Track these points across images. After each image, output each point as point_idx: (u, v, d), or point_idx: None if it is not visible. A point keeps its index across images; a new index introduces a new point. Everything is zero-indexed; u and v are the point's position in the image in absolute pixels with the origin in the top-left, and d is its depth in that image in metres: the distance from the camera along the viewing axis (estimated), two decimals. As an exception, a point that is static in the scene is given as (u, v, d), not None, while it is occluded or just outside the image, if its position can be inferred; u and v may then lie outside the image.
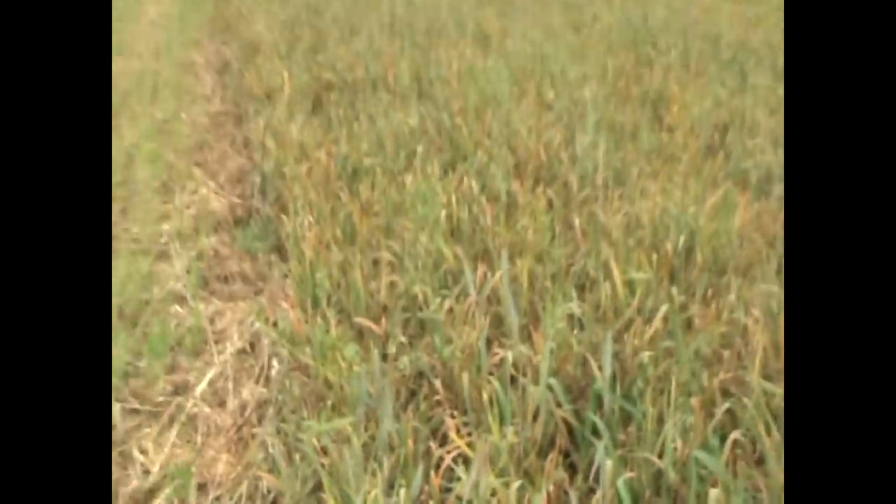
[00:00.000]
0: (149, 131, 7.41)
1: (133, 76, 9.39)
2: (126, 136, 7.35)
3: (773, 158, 5.28)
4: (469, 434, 3.28)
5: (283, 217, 5.09)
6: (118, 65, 9.89)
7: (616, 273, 3.91)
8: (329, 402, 3.57)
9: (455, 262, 4.21)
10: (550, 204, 4.77)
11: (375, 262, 4.37)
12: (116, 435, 3.73)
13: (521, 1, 10.18)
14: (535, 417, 3.23)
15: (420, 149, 5.54)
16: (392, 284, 4.19)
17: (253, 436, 3.65)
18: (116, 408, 3.85)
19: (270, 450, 3.49)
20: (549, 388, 3.26)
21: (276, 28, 9.38)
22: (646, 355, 3.41)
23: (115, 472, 3.51)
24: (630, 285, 3.90)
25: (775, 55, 7.58)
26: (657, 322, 3.59)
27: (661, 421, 3.11)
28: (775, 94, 6.48)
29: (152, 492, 3.41)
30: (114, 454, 3.63)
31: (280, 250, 5.03)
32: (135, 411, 3.90)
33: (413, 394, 3.57)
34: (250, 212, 5.68)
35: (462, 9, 9.69)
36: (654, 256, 4.11)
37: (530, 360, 3.42)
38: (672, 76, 6.97)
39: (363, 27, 8.94)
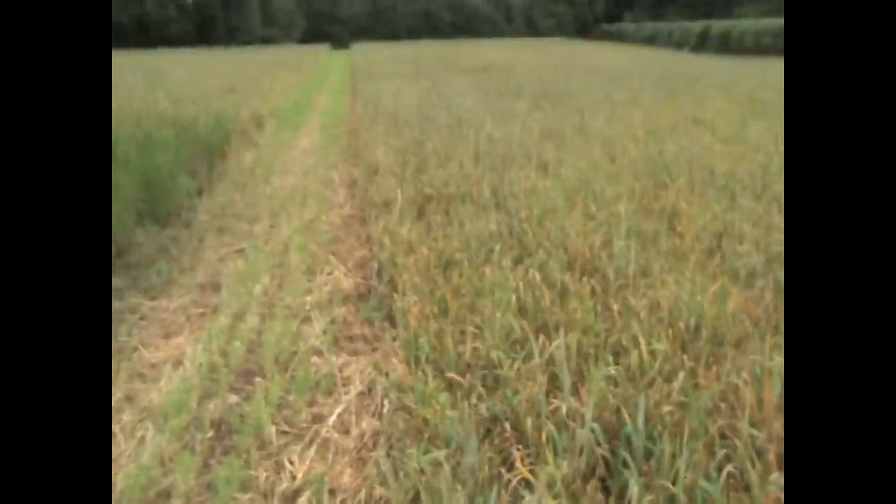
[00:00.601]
0: (299, 228, 7.51)
1: (289, 189, 9.55)
2: (283, 231, 7.46)
3: (757, 259, 5.23)
4: (531, 464, 3.25)
5: (394, 295, 5.10)
6: (279, 181, 10.10)
7: (642, 344, 3.88)
8: (426, 435, 3.55)
9: (522, 333, 4.18)
10: (593, 291, 4.73)
11: (462, 332, 4.34)
12: (272, 449, 3.75)
13: (572, 139, 10.23)
14: (580, 452, 3.18)
15: (497, 247, 5.55)
16: (475, 349, 4.16)
17: (370, 457, 3.62)
18: (272, 429, 3.86)
19: (382, 468, 3.46)
20: (592, 430, 3.23)
21: (391, 155, 9.49)
22: (665, 408, 3.35)
23: (270, 476, 3.51)
24: (653, 353, 3.85)
25: (755, 182, 7.51)
26: (674, 382, 3.54)
27: (674, 456, 3.06)
28: (756, 212, 6.41)
29: (297, 492, 3.42)
30: (269, 462, 3.64)
31: (391, 319, 5.01)
32: (285, 433, 3.90)
33: (489, 432, 3.52)
34: (370, 290, 5.70)
35: (528, 143, 9.78)
36: (671, 332, 4.07)
37: (578, 409, 3.38)
38: (681, 196, 6.92)
39: (455, 155, 9.03)
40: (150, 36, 72.66)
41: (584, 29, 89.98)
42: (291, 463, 3.63)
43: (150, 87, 20.24)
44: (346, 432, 3.88)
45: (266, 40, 77.68)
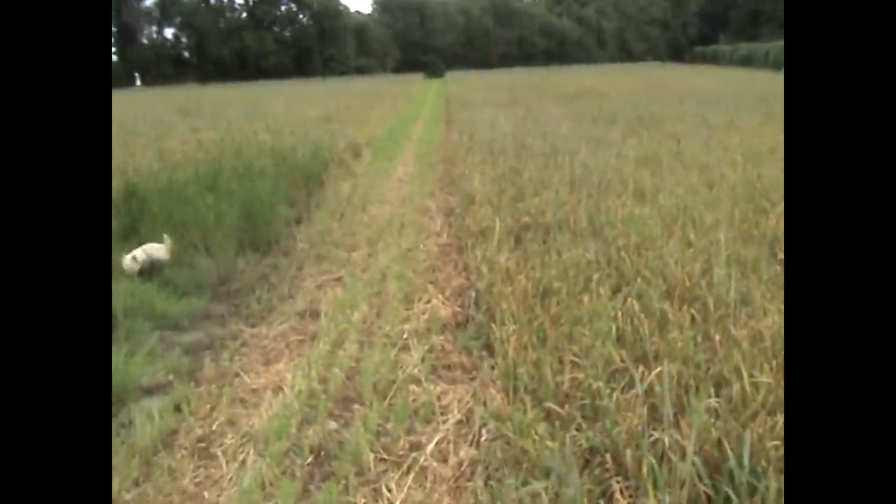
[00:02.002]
0: (397, 257, 7.62)
1: (386, 217, 9.69)
2: (381, 259, 7.58)
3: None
4: (631, 497, 3.21)
5: (492, 324, 5.11)
6: (376, 210, 10.27)
7: (745, 375, 3.78)
8: (524, 466, 3.54)
9: (621, 362, 4.14)
10: (693, 320, 4.65)
11: (561, 361, 4.32)
12: (370, 476, 3.80)
13: (668, 166, 10.09)
14: (681, 487, 3.12)
15: (595, 276, 5.51)
16: (573, 379, 4.13)
17: (467, 486, 3.64)
18: (371, 456, 3.91)
19: (480, 497, 3.47)
20: (693, 464, 3.16)
21: (488, 183, 9.53)
22: (770, 443, 3.26)
23: (368, 503, 3.55)
24: (756, 385, 3.75)
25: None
26: (778, 415, 3.44)
27: (780, 493, 2.96)
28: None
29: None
30: (367, 489, 3.70)
31: (489, 348, 5.03)
32: (383, 460, 3.95)
33: (587, 463, 3.49)
34: (467, 319, 5.72)
35: (624, 170, 9.69)
36: (774, 363, 3.96)
37: (679, 441, 3.32)
38: (783, 222, 6.75)
39: (551, 183, 9.01)
40: (249, 68, 74.75)
41: (677, 52, 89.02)
42: (389, 490, 3.67)
43: (250, 118, 20.84)
44: (444, 461, 3.90)
45: (361, 70, 79.04)
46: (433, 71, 76.37)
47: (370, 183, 12.51)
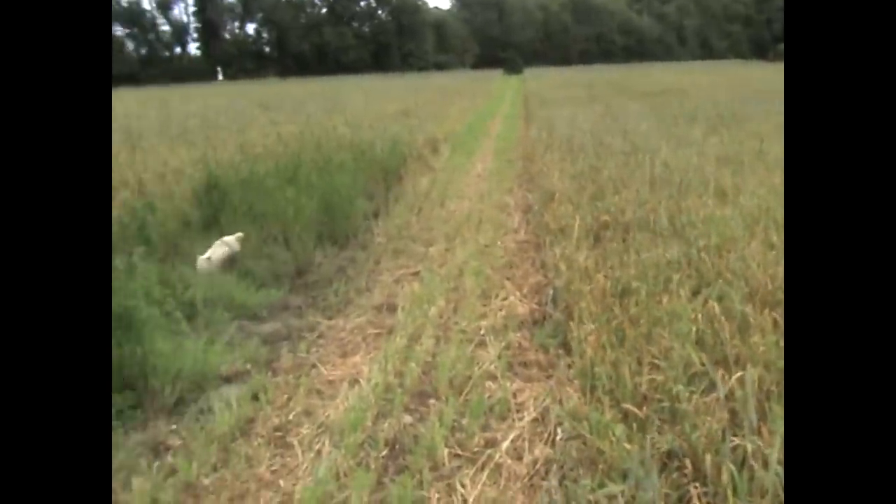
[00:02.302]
0: (474, 252, 7.61)
1: (464, 213, 9.69)
2: (458, 255, 7.59)
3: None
4: (708, 503, 3.14)
5: (570, 322, 5.07)
6: (454, 205, 10.31)
7: (830, 383, 3.67)
8: (600, 467, 3.51)
9: (701, 366, 4.06)
10: (776, 324, 4.54)
11: (639, 362, 4.27)
12: (444, 471, 3.81)
13: (750, 166, 9.87)
14: (763, 496, 3.05)
15: (675, 276, 5.43)
16: (652, 380, 4.08)
17: (542, 485, 3.62)
18: (445, 452, 3.91)
19: (554, 496, 3.45)
20: (777, 474, 3.08)
21: (567, 181, 9.47)
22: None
23: (442, 498, 3.56)
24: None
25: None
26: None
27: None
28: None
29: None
30: (441, 484, 3.70)
31: (566, 347, 4.99)
32: (458, 456, 3.94)
33: (665, 466, 3.44)
34: (544, 316, 5.69)
35: (705, 169, 9.51)
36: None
37: (760, 449, 3.25)
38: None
39: (631, 182, 8.91)
40: (328, 63, 75.59)
41: (760, 49, 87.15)
42: (463, 486, 3.66)
43: (329, 112, 21.06)
44: (519, 458, 3.88)
45: (440, 66, 79.31)
46: (512, 67, 76.15)
47: (448, 178, 12.54)
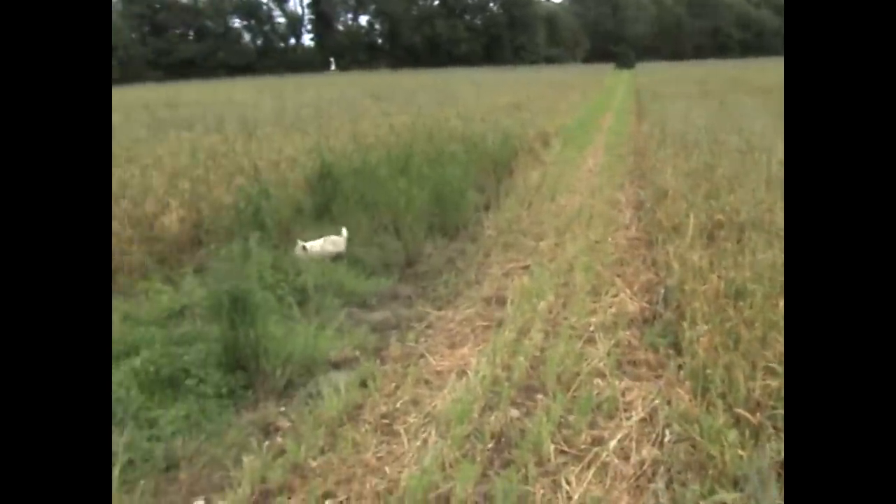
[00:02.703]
0: (584, 248, 7.54)
1: (575, 208, 9.61)
2: (568, 250, 7.52)
3: None
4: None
5: (681, 323, 4.97)
6: (565, 200, 10.23)
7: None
8: (710, 472, 3.43)
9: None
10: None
11: (754, 367, 4.15)
12: (550, 467, 3.78)
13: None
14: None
15: (792, 280, 5.24)
16: (766, 386, 3.96)
17: (648, 487, 3.56)
18: (551, 448, 3.89)
19: (660, 499, 3.39)
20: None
21: (680, 178, 9.28)
22: None
23: (547, 494, 3.55)
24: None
25: None
26: None
27: None
28: None
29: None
30: (546, 480, 3.68)
31: (677, 347, 4.90)
32: (564, 452, 3.91)
33: (779, 475, 3.34)
34: (655, 315, 5.59)
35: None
36: None
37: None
38: None
39: (747, 181, 8.67)
40: (440, 55, 75.94)
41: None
42: (569, 483, 3.63)
43: (440, 104, 21.16)
44: (626, 458, 3.83)
45: (550, 59, 78.80)
46: (623, 62, 75.15)
47: (559, 172, 12.45)
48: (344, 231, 7.53)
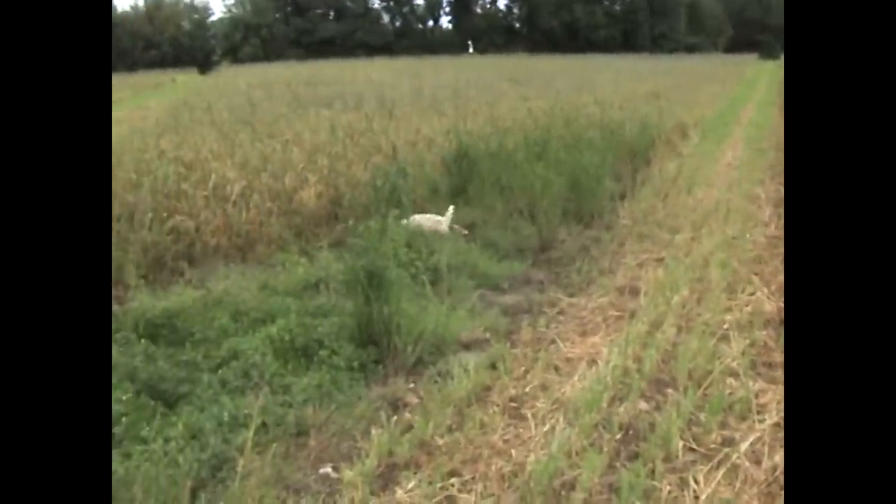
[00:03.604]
0: (721, 244, 7.35)
1: (712, 202, 9.37)
2: (704, 244, 7.34)
3: None
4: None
5: (823, 326, 4.79)
6: (702, 193, 9.98)
7: None
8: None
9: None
10: None
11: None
12: (677, 464, 3.72)
13: None
14: None
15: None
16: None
17: (781, 494, 3.44)
18: (680, 444, 3.82)
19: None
20: None
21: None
22: None
23: (673, 491, 3.49)
24: None
25: None
26: None
27: None
28: None
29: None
30: (673, 476, 3.62)
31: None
32: (692, 450, 3.84)
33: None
34: (794, 316, 5.39)
35: None
36: None
37: None
38: None
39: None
40: (578, 41, 75.01)
41: None
42: (696, 482, 3.55)
43: (578, 90, 20.95)
44: (757, 462, 3.72)
45: (691, 48, 76.72)
46: (768, 51, 72.32)
47: (696, 165, 12.15)
48: (450, 210, 7.55)
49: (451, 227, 7.44)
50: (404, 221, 7.07)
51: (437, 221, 7.43)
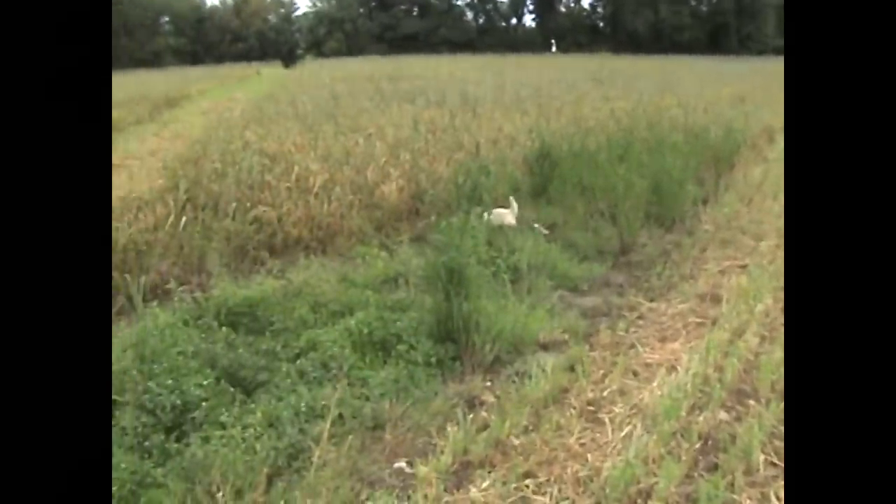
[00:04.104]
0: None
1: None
2: (790, 253, 7.15)
3: None
4: None
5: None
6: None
7: None
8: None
9: None
10: None
11: None
12: (758, 477, 3.61)
13: None
14: None
15: None
16: None
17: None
18: (761, 458, 3.73)
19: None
20: None
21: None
22: None
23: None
24: None
25: None
26: None
27: None
28: None
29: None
30: (753, 490, 3.52)
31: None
32: (774, 465, 3.71)
33: None
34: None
35: None
36: None
37: None
38: None
39: None
40: (662, 42, 74.03)
41: None
42: (778, 499, 3.44)
43: (661, 91, 20.66)
44: (842, 479, 3.60)
45: (778, 50, 74.98)
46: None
47: (782, 171, 11.84)
48: (512, 201, 7.49)
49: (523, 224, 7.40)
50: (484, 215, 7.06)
51: (504, 214, 7.41)
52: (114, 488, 3.38)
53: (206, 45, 68.49)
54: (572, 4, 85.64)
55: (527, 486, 3.56)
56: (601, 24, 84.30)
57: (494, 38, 77.75)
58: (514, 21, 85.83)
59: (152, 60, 57.71)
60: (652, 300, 5.98)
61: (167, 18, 70.27)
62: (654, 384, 4.50)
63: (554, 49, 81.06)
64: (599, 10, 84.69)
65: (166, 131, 17.00)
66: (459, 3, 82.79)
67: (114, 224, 6.89)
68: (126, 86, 27.85)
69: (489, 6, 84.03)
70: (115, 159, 12.45)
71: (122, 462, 3.56)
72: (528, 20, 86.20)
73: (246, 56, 62.85)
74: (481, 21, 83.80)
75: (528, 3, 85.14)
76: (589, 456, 3.79)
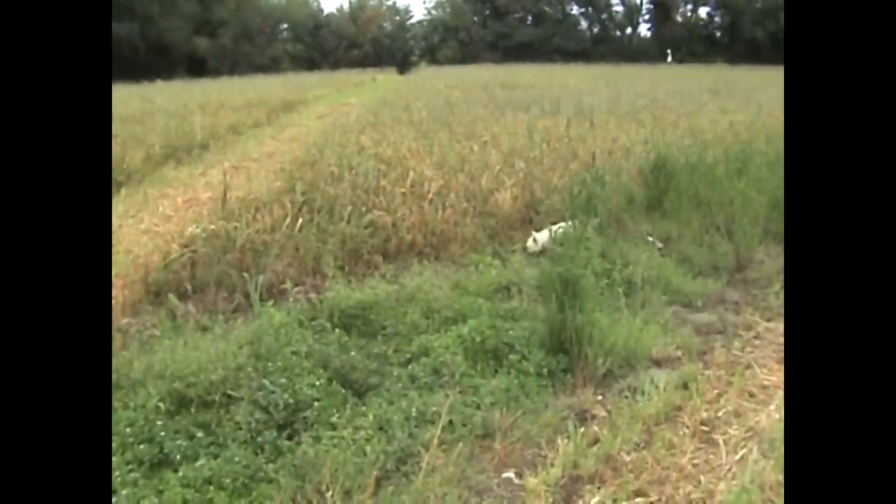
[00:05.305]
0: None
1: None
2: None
3: None
4: None
5: None
6: None
7: None
8: None
9: None
10: None
11: None
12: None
13: None
14: None
15: None
16: None
17: None
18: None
19: None
20: None
21: None
22: None
23: None
24: None
25: None
26: None
27: None
28: None
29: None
30: None
31: None
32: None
33: None
34: None
35: None
36: None
37: None
38: None
39: None
40: (782, 52, 72.07)
41: None
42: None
43: (781, 104, 20.01)
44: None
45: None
46: None
47: None
48: (553, 228, 7.33)
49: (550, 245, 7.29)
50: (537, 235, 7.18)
51: (536, 239, 7.36)
52: (227, 480, 3.49)
53: (322, 51, 69.91)
54: (689, 14, 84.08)
55: (638, 505, 3.50)
56: (718, 34, 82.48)
57: (609, 47, 76.94)
58: (628, 30, 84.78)
59: (271, 66, 59.32)
60: (769, 320, 5.78)
61: (286, 26, 72.12)
62: (772, 407, 4.35)
63: (669, 59, 79.74)
64: (717, 19, 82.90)
65: (283, 135, 17.38)
66: (574, 11, 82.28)
67: (232, 224, 7.11)
68: (245, 90, 28.68)
69: (604, 15, 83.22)
70: (233, 161, 12.85)
71: (236, 456, 3.67)
72: (644, 29, 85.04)
73: (361, 62, 63.89)
74: (596, 30, 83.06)
75: (644, 12, 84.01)
76: (702, 477, 3.69)
